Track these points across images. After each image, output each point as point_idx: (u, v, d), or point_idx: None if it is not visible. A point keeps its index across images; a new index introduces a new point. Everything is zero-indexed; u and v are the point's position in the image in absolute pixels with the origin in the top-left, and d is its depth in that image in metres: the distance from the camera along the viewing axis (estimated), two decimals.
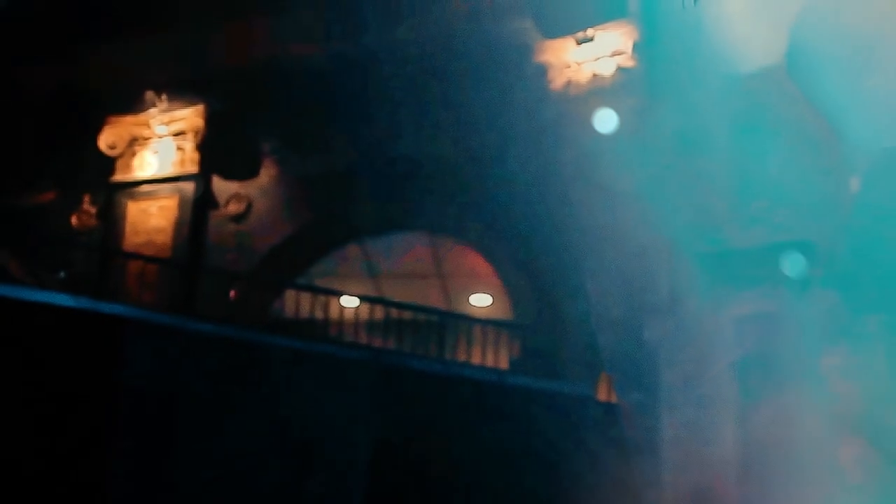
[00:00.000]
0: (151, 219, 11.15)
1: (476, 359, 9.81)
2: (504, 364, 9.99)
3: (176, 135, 11.29)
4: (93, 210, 11.38)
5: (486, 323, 10.19)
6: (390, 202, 10.71)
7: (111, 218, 11.22)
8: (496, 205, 10.08)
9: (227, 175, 11.18)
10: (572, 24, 9.83)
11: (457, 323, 10.13)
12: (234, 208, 11.15)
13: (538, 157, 9.72)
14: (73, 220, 11.38)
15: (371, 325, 10.15)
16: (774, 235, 8.71)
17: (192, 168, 11.16)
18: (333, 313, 10.10)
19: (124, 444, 7.71)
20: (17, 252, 9.86)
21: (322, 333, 9.89)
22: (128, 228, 11.15)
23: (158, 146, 11.33)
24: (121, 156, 11.36)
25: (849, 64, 8.48)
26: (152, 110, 11.32)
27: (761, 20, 8.86)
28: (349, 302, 10.37)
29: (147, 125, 11.35)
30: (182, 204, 11.10)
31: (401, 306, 10.08)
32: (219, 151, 11.14)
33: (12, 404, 7.46)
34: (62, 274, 10.43)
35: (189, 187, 11.11)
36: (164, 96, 11.26)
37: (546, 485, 8.19)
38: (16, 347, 7.59)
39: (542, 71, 10.01)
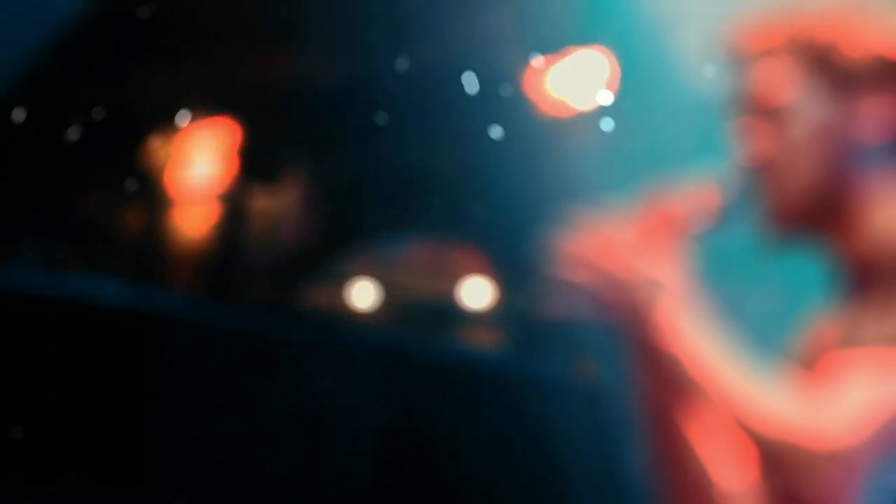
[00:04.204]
0: (190, 225, 11.91)
1: (474, 345, 10.76)
2: (499, 349, 10.80)
3: (211, 149, 11.92)
4: (138, 218, 12.16)
5: (482, 314, 11.05)
6: (396, 206, 11.29)
7: (154, 224, 11.95)
8: (492, 209, 10.57)
9: (257, 184, 11.96)
10: (554, 48, 10.39)
11: (456, 314, 11.00)
12: (262, 213, 11.98)
13: (528, 167, 10.16)
14: (121, 225, 12.18)
15: (380, 317, 11.03)
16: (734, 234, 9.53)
17: (227, 178, 11.80)
18: (347, 306, 10.99)
19: (162, 418, 8.56)
20: (73, 250, 10.99)
21: (337, 324, 10.81)
22: (169, 233, 11.91)
23: (197, 160, 11.94)
24: (162, 168, 11.97)
25: None
26: (191, 126, 11.83)
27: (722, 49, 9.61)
28: (361, 295, 11.25)
29: (186, 141, 12.00)
30: (217, 211, 11.85)
31: (406, 300, 11.00)
32: (249, 163, 11.82)
33: (64, 384, 8.20)
34: (110, 272, 11.18)
35: (223, 196, 11.82)
36: (201, 114, 11.83)
37: (535, 456, 8.84)
38: (65, 333, 8.49)
39: (529, 91, 10.62)
